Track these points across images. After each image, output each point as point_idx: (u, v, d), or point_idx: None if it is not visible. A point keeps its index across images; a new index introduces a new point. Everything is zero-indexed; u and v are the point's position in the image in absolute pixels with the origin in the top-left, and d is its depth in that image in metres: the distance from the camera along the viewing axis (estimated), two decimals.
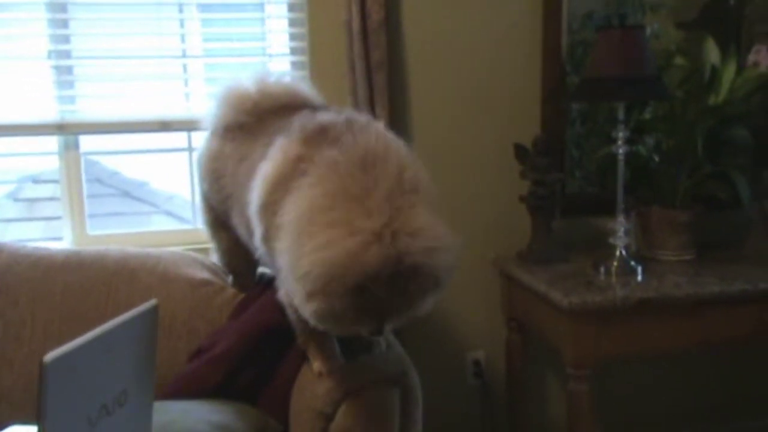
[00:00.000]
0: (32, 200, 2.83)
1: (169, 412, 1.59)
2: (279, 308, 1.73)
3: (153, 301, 1.35)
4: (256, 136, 1.77)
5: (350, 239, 1.36)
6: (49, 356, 0.97)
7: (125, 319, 1.28)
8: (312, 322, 1.46)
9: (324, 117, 1.64)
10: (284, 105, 1.83)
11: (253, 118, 1.83)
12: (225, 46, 2.38)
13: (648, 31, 2.56)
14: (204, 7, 2.35)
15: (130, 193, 3.00)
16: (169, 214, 2.85)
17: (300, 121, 1.65)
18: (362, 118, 1.68)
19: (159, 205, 2.92)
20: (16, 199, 2.82)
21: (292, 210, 1.46)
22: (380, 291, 1.37)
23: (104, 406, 1.18)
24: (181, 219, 2.58)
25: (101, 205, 2.67)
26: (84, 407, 1.11)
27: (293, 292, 1.47)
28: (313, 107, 1.81)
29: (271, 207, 1.55)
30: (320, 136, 1.55)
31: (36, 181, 2.80)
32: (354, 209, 1.40)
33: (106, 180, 2.96)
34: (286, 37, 2.38)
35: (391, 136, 1.61)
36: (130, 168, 2.92)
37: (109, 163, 2.85)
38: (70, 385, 1.07)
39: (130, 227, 2.48)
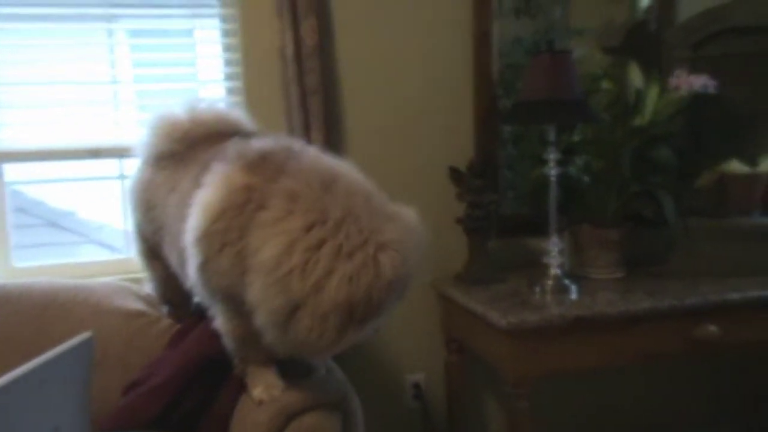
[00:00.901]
0: None
1: None
2: (216, 337, 1.70)
3: (87, 334, 1.32)
4: (186, 165, 1.75)
5: (357, 269, 1.40)
6: None
7: (57, 353, 1.24)
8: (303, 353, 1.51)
9: (260, 144, 1.64)
10: (215, 132, 1.82)
11: (184, 146, 1.82)
12: (156, 72, 2.35)
13: (575, 54, 2.66)
14: (134, 33, 2.32)
15: (57, 222, 2.91)
16: (99, 243, 2.77)
17: (235, 148, 1.64)
18: (295, 143, 1.69)
19: (88, 234, 2.84)
20: None
21: (271, 247, 1.43)
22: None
23: None
24: (112, 248, 2.51)
25: (26, 235, 2.58)
26: None
27: (265, 325, 1.47)
28: (245, 134, 1.80)
29: (217, 237, 1.52)
30: (263, 164, 1.55)
31: None
32: (339, 234, 1.42)
33: (31, 210, 2.86)
34: (221, 62, 2.37)
35: (326, 156, 1.63)
36: (56, 197, 2.83)
37: (32, 192, 2.75)
38: None
39: (58, 258, 2.40)
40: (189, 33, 2.37)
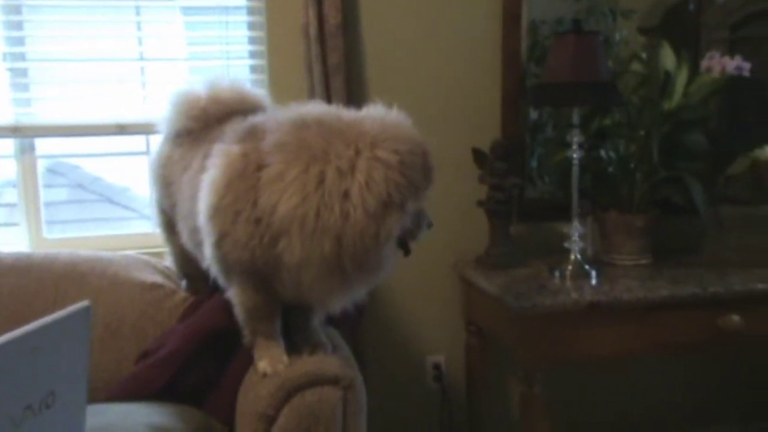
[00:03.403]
0: (9, 205, 2.80)
1: (107, 414, 1.58)
2: (227, 310, 1.73)
3: (85, 302, 1.34)
4: (200, 144, 1.79)
5: (366, 175, 1.48)
6: None
7: (54, 320, 1.27)
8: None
9: (255, 119, 1.70)
10: (233, 111, 1.84)
11: (201, 124, 1.85)
12: (187, 50, 2.39)
13: (617, 36, 2.59)
14: (163, 10, 2.35)
15: (112, 198, 2.98)
16: (149, 218, 2.82)
17: (232, 127, 1.71)
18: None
19: (141, 210, 2.90)
20: None
21: (287, 200, 1.50)
22: None
23: (29, 407, 1.16)
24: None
25: (85, 210, 2.66)
26: (6, 407, 1.10)
27: (319, 276, 1.54)
28: (255, 113, 1.82)
29: (230, 208, 1.57)
30: (252, 133, 1.62)
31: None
32: (331, 158, 1.50)
33: (89, 186, 2.94)
34: (246, 40, 2.38)
35: (297, 105, 1.70)
36: (112, 173, 2.90)
37: (91, 168, 2.82)
38: None
39: (95, 231, 2.48)
40: (223, 11, 2.38)
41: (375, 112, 1.60)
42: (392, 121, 1.58)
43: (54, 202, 2.53)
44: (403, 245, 1.64)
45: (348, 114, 1.62)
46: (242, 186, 1.56)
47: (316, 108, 1.66)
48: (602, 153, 2.39)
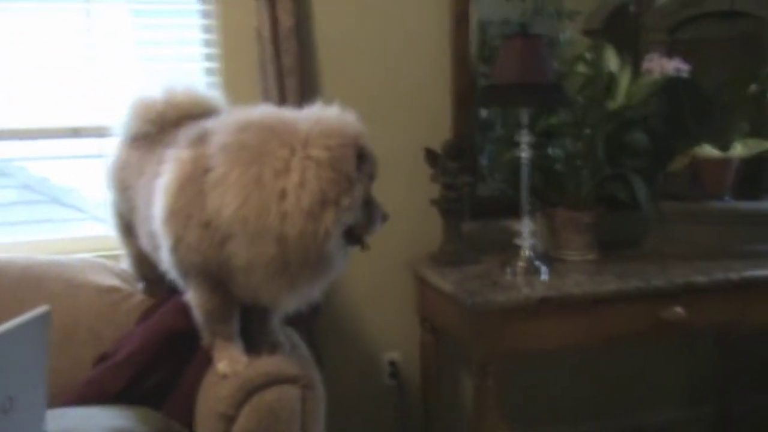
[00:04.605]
0: None
1: (67, 418, 1.59)
2: (185, 312, 1.75)
3: (45, 307, 1.35)
4: (155, 149, 1.80)
5: (300, 174, 1.52)
6: None
7: (13, 325, 1.28)
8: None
9: (206, 123, 1.72)
10: (189, 115, 1.86)
11: (157, 128, 1.86)
12: (141, 52, 2.39)
13: (561, 38, 2.67)
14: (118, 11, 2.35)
15: (60, 199, 2.94)
16: (99, 220, 2.79)
17: (184, 132, 1.73)
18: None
19: (90, 211, 2.87)
20: None
21: (229, 202, 1.52)
22: None
23: None
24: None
25: (32, 212, 2.63)
26: None
27: (266, 277, 1.56)
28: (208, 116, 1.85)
29: (182, 212, 1.60)
30: (201, 138, 1.65)
31: None
32: (268, 159, 1.53)
33: (35, 187, 2.90)
34: (200, 43, 2.40)
35: (244, 108, 1.73)
36: (60, 175, 2.87)
37: (37, 169, 2.79)
38: None
39: (58, 234, 2.47)
40: (176, 13, 2.39)
41: (312, 111, 1.64)
42: (326, 118, 1.61)
43: (2, 203, 2.50)
44: (357, 240, 1.67)
45: (287, 114, 1.66)
46: (192, 190, 1.59)
47: (260, 110, 1.70)
48: (549, 151, 2.46)
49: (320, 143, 1.54)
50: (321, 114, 1.62)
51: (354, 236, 1.65)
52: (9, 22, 2.27)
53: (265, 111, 1.69)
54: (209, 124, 1.72)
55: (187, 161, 1.62)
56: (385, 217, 1.72)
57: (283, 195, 1.51)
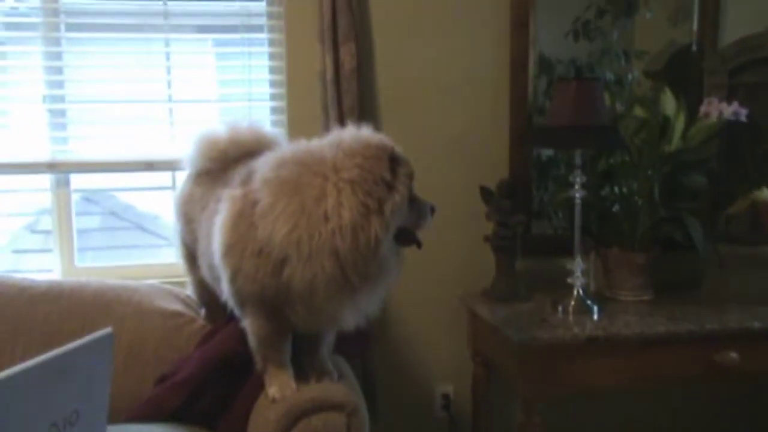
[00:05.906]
0: (48, 232, 2.96)
1: None
2: (241, 338, 1.85)
3: (108, 330, 1.46)
4: (216, 185, 1.92)
5: (336, 196, 1.62)
6: None
7: (79, 345, 1.39)
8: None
9: (254, 163, 1.83)
10: (251, 152, 1.96)
11: (220, 165, 1.98)
12: (214, 92, 2.55)
13: (629, 77, 2.70)
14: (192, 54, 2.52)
15: (143, 226, 3.12)
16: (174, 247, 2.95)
17: (239, 172, 1.85)
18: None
19: (170, 237, 3.03)
20: (33, 231, 2.96)
21: (279, 228, 1.63)
22: None
23: (55, 425, 1.28)
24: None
25: (117, 237, 2.82)
26: (35, 424, 1.22)
27: (328, 296, 1.66)
28: None
29: (238, 246, 1.71)
30: (250, 176, 1.78)
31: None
32: (305, 188, 1.64)
33: (122, 213, 3.09)
34: (267, 84, 2.54)
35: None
36: (143, 203, 3.05)
37: (124, 197, 2.98)
38: (19, 403, 1.19)
39: (138, 259, 2.64)
40: (246, 56, 2.54)
41: (333, 137, 1.75)
42: (345, 140, 1.70)
43: (88, 229, 2.68)
44: (411, 240, 1.77)
45: (313, 146, 1.76)
46: (244, 224, 1.71)
47: (291, 147, 1.80)
48: (607, 191, 2.47)
49: (347, 165, 1.64)
50: (341, 137, 1.73)
51: (407, 237, 1.75)
52: (94, 65, 2.47)
53: (296, 148, 1.79)
54: (255, 163, 1.82)
55: (237, 199, 1.74)
56: (433, 210, 1.81)
57: (326, 217, 1.62)
